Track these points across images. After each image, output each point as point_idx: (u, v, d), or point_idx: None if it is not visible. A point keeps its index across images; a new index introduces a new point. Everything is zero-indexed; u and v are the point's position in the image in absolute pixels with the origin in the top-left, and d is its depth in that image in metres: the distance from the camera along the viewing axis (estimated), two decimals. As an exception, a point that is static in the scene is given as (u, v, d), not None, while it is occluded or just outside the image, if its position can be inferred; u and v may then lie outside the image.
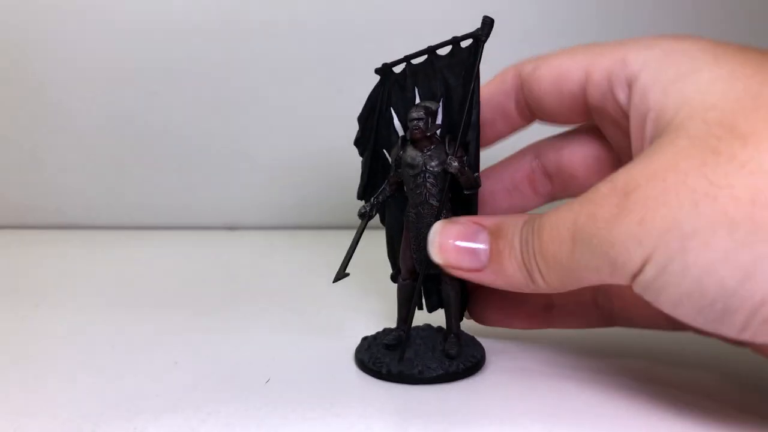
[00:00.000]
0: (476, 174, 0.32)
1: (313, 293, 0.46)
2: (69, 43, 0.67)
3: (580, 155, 0.33)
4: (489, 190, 0.35)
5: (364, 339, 0.35)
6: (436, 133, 0.32)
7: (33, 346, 0.37)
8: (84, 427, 0.27)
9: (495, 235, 0.29)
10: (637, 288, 0.24)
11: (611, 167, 0.32)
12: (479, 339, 0.35)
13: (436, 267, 0.31)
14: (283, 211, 0.70)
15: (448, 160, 0.31)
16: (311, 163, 0.67)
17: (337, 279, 0.33)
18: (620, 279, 0.25)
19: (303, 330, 0.39)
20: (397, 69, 0.34)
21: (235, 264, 0.57)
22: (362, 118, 0.34)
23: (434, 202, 0.32)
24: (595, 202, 0.25)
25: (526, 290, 0.29)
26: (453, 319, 0.34)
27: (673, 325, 0.31)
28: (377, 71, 0.33)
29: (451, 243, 0.30)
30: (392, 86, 0.34)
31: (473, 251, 0.30)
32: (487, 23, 0.31)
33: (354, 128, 0.35)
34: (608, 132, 0.31)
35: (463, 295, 0.34)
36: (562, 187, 0.34)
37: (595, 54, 0.29)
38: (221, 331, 0.39)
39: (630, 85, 0.27)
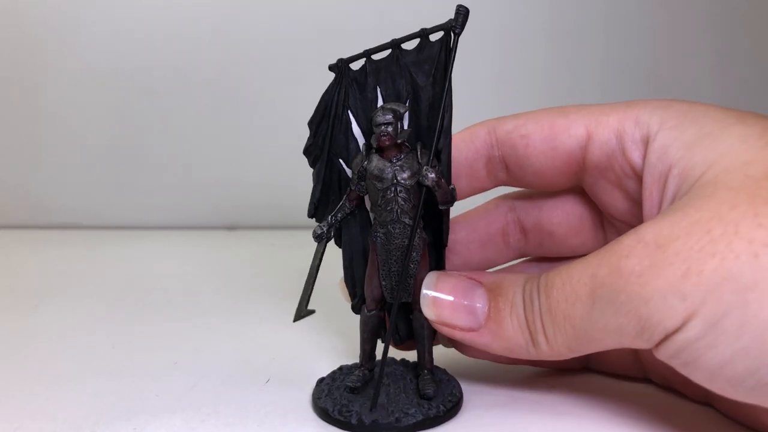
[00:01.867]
0: (452, 186, 0.28)
1: (312, 293, 0.46)
2: (69, 44, 0.67)
3: (561, 213, 0.32)
4: (463, 240, 0.33)
5: (320, 381, 0.30)
6: (405, 140, 0.28)
7: (33, 346, 0.37)
8: (84, 426, 0.27)
9: (494, 293, 0.27)
10: (668, 350, 0.22)
11: (594, 229, 0.31)
12: (450, 372, 0.31)
13: (410, 295, 0.29)
14: (283, 211, 0.69)
15: (424, 172, 0.27)
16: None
17: (297, 318, 0.30)
18: (644, 342, 0.22)
19: (303, 330, 0.39)
20: (356, 65, 0.29)
21: (235, 264, 0.57)
22: (313, 123, 0.30)
23: (407, 221, 0.28)
24: (620, 255, 0.23)
25: (524, 356, 0.26)
26: (426, 353, 0.30)
27: (642, 372, 0.31)
28: (331, 68, 0.29)
29: (446, 297, 0.28)
30: (350, 85, 0.29)
31: (471, 309, 0.27)
32: (461, 13, 0.27)
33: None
34: (603, 193, 0.29)
35: None
36: (537, 244, 0.33)
37: (596, 113, 0.28)
38: (221, 331, 0.39)
39: (645, 144, 0.26)
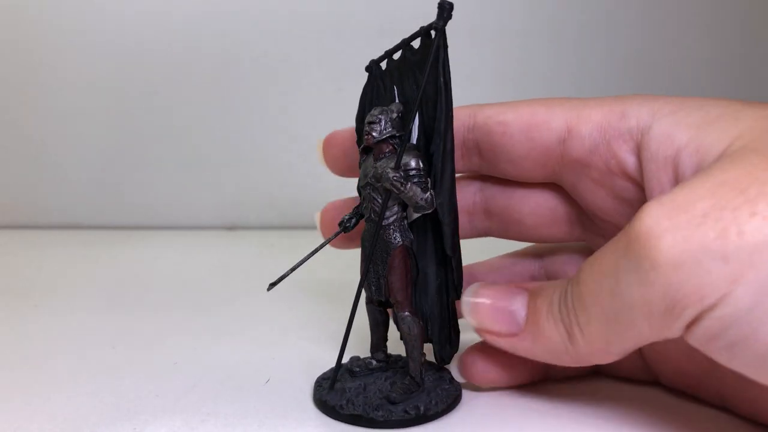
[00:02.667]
0: (427, 194, 0.27)
1: (313, 293, 0.46)
2: (69, 44, 0.67)
3: (532, 203, 0.31)
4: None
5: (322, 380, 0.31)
6: (391, 139, 0.28)
7: (32, 346, 0.37)
8: (84, 426, 0.27)
9: (534, 295, 0.27)
10: (706, 332, 0.19)
11: (569, 223, 0.30)
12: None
13: (387, 294, 0.29)
14: (283, 211, 0.70)
15: (383, 172, 0.27)
16: (311, 163, 0.67)
17: (272, 286, 0.30)
18: (677, 322, 0.20)
19: (302, 330, 0.39)
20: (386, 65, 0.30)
21: (235, 264, 0.57)
22: (358, 119, 0.31)
23: (377, 220, 0.28)
24: (643, 221, 0.20)
25: (565, 357, 0.25)
26: (409, 358, 0.29)
27: (651, 375, 0.30)
28: (366, 69, 0.30)
29: (487, 303, 0.27)
30: (377, 84, 0.30)
31: (510, 313, 0.27)
32: (445, 8, 0.26)
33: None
34: (583, 189, 0.28)
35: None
36: (502, 229, 0.32)
37: (578, 107, 0.27)
38: (221, 331, 0.39)
39: (640, 136, 0.25)
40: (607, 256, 0.22)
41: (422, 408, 0.28)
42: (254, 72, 0.67)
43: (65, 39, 0.67)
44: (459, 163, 0.31)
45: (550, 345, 0.25)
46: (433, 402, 0.28)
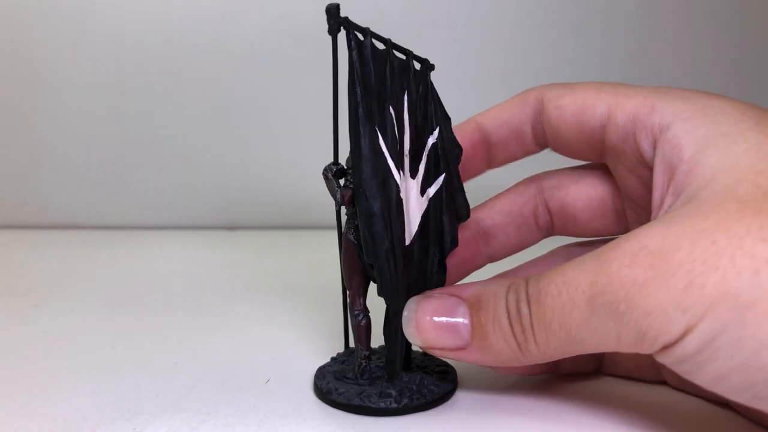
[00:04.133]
0: (337, 188, 0.29)
1: (313, 293, 0.46)
2: (69, 43, 0.67)
3: (585, 197, 0.32)
4: (500, 225, 0.33)
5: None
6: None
7: (32, 346, 0.37)
8: (84, 426, 0.27)
9: (475, 308, 0.27)
10: (668, 359, 0.22)
11: (615, 213, 0.31)
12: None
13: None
14: (283, 211, 0.70)
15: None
16: (311, 163, 0.67)
17: None
18: (643, 349, 0.22)
19: (303, 330, 0.39)
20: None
21: (235, 264, 0.57)
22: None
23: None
24: (622, 263, 0.22)
25: (515, 364, 0.26)
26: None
27: (657, 375, 0.31)
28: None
29: (428, 320, 0.27)
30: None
31: (453, 327, 0.27)
32: (330, 12, 0.27)
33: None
34: (620, 175, 0.30)
35: None
36: (562, 226, 0.33)
37: (620, 95, 0.28)
38: (221, 331, 0.39)
39: (658, 134, 0.26)
40: (580, 287, 0.23)
41: (425, 397, 0.29)
42: (254, 72, 0.67)
43: (65, 39, 0.67)
44: (532, 145, 0.32)
45: (500, 356, 0.26)
46: (430, 391, 0.29)
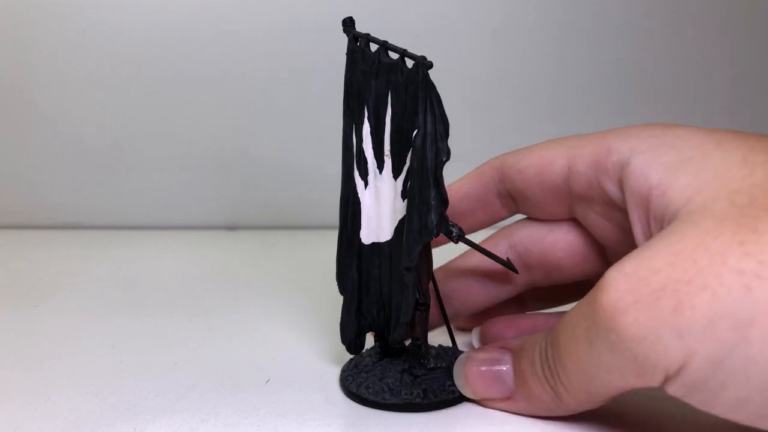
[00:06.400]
0: None
1: (313, 293, 0.46)
2: (68, 43, 0.67)
3: (563, 244, 0.32)
4: (463, 284, 0.34)
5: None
6: None
7: (32, 346, 0.37)
8: (84, 426, 0.27)
9: (517, 355, 0.27)
10: (678, 390, 0.21)
11: (597, 257, 0.31)
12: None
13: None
14: (283, 211, 0.70)
15: None
16: (311, 163, 0.67)
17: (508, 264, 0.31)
18: (650, 381, 0.22)
19: (303, 330, 0.39)
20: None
21: (235, 264, 0.57)
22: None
23: None
24: (605, 290, 0.22)
25: (558, 411, 0.26)
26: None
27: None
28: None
29: (475, 370, 0.28)
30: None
31: (498, 377, 0.27)
32: (344, 23, 0.31)
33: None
34: (593, 225, 0.30)
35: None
36: (545, 277, 0.33)
37: (575, 146, 0.29)
38: (221, 331, 0.39)
39: (620, 171, 0.26)
40: (578, 320, 0.23)
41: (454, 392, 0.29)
42: (254, 71, 0.67)
43: (65, 38, 0.67)
44: (501, 211, 0.33)
45: (542, 403, 0.26)
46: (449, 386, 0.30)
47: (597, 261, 0.31)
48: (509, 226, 0.34)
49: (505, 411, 0.28)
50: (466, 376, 0.28)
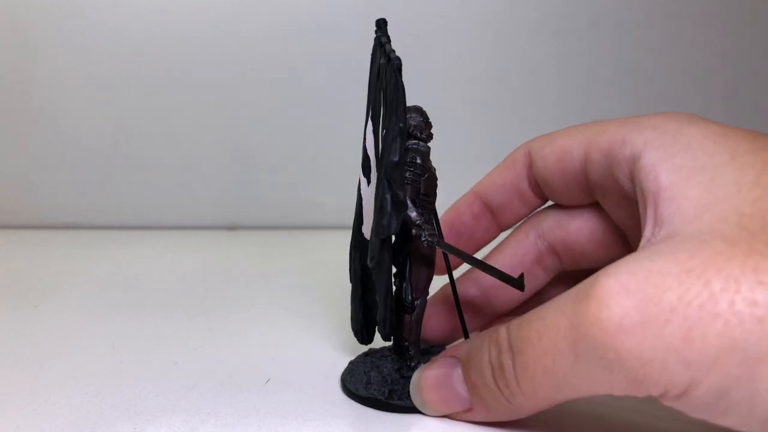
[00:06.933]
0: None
1: (313, 293, 0.46)
2: (68, 43, 0.67)
3: (587, 231, 0.31)
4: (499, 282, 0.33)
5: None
6: None
7: (32, 346, 0.37)
8: (84, 426, 0.27)
9: (466, 365, 0.26)
10: (675, 406, 0.21)
11: (618, 242, 0.31)
12: None
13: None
14: (283, 211, 0.70)
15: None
16: (311, 163, 0.67)
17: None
18: (640, 394, 0.21)
19: (303, 330, 0.39)
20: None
21: (235, 264, 0.57)
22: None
23: None
24: (601, 303, 0.21)
25: (515, 416, 0.26)
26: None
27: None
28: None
29: (431, 393, 0.27)
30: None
31: (454, 393, 0.27)
32: (378, 24, 0.30)
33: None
34: (611, 211, 0.30)
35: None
36: (572, 262, 0.32)
37: (593, 133, 0.28)
38: (221, 331, 0.39)
39: (632, 165, 0.26)
40: (561, 330, 0.22)
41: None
42: (255, 71, 0.67)
43: (65, 38, 0.67)
44: (534, 200, 0.33)
45: (500, 413, 0.26)
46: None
47: (621, 248, 0.31)
48: (536, 214, 0.34)
49: (470, 422, 0.27)
50: (422, 398, 0.28)
